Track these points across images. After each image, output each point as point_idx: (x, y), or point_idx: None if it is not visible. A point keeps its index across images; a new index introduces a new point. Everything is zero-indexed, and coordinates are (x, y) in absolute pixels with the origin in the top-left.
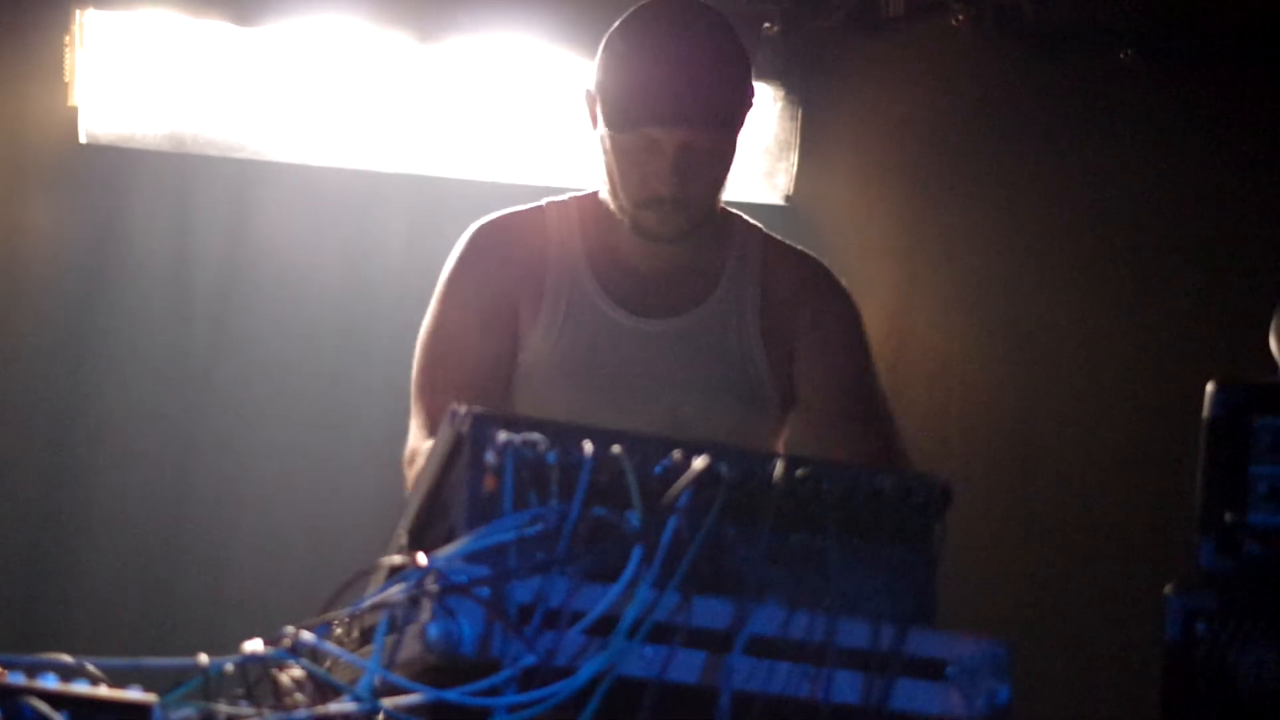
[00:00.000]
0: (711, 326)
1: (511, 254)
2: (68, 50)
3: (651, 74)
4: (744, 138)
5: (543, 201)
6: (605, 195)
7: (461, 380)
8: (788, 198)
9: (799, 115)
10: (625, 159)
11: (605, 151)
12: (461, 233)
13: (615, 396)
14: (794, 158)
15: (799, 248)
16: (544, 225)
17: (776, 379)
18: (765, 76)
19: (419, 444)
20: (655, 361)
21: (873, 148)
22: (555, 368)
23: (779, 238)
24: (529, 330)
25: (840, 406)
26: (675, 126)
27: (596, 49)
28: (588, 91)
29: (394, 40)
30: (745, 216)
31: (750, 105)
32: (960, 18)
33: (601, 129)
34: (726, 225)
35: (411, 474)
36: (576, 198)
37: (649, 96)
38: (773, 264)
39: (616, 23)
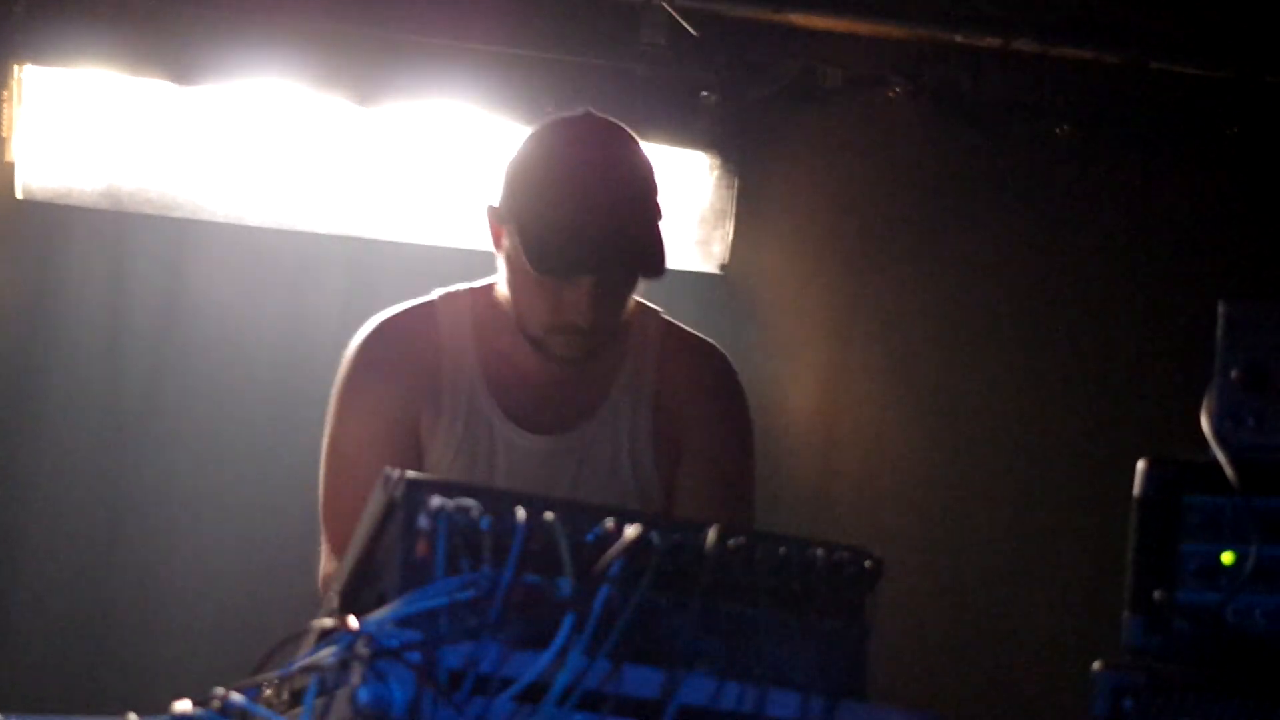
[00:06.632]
0: (603, 440)
1: (406, 364)
2: (6, 105)
3: (575, 221)
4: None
5: (434, 294)
6: (507, 308)
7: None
8: (723, 266)
9: (735, 184)
10: (541, 289)
11: (514, 274)
12: (398, 294)
13: None
14: (729, 226)
15: (699, 338)
16: (436, 326)
17: (665, 480)
18: (702, 145)
19: (331, 569)
20: (551, 478)
21: (809, 218)
22: None
23: (678, 325)
24: (429, 441)
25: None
26: (603, 273)
27: (532, 115)
28: (491, 208)
29: (333, 103)
30: (644, 304)
31: (662, 215)
32: (898, 90)
33: (521, 263)
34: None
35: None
36: (470, 291)
37: (574, 246)
38: (668, 363)
39: (526, 147)
